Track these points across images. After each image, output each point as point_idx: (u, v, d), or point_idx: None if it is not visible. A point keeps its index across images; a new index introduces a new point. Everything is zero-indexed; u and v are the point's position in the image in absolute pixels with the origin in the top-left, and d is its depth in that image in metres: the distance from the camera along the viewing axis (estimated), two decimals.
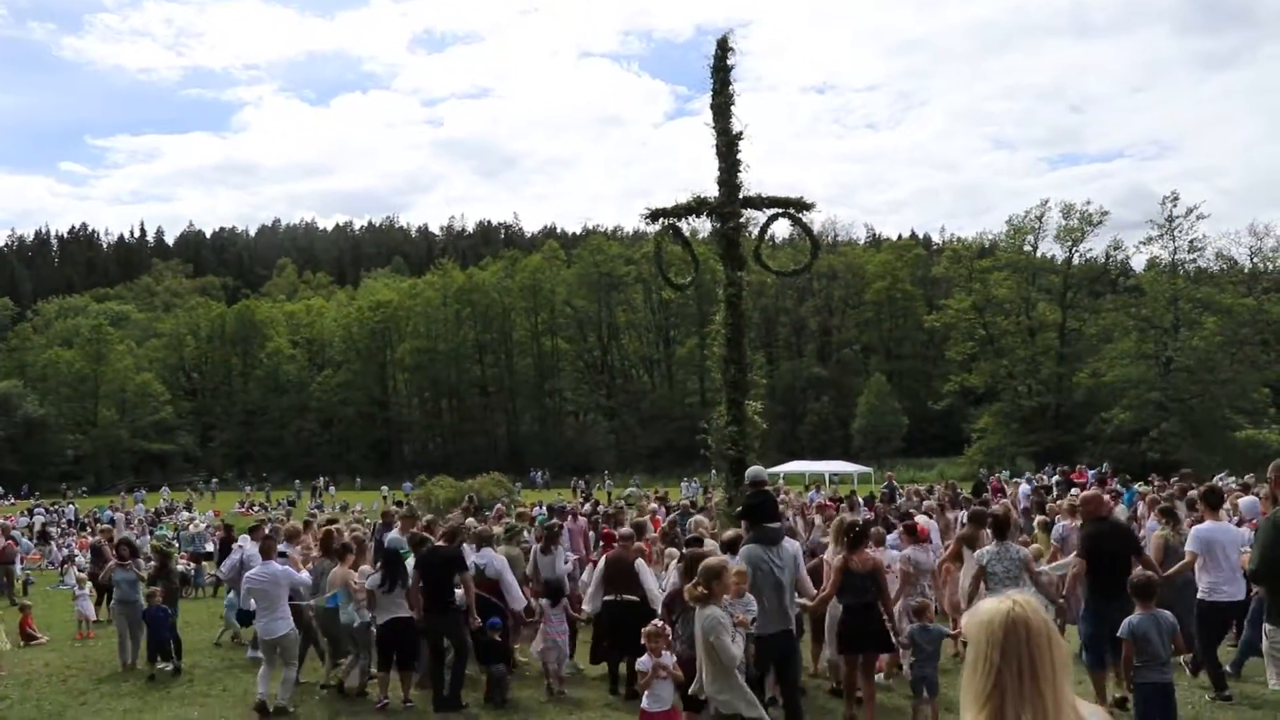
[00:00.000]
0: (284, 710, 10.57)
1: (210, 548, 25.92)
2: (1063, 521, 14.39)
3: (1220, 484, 19.96)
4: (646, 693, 7.84)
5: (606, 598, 10.92)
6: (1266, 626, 7.33)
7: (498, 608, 11.24)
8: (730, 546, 9.04)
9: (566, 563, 12.94)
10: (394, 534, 13.77)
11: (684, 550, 10.70)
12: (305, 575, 11.32)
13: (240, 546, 15.26)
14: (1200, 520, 10.36)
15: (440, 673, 10.54)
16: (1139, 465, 49.04)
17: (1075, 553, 11.08)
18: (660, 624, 8.20)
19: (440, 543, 11.12)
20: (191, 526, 31.64)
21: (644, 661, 7.89)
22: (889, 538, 12.87)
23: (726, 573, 7.34)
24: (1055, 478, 38.24)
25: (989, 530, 10.05)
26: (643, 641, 7.97)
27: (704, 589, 7.04)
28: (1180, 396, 57.28)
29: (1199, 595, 9.77)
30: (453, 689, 10.42)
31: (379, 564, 11.01)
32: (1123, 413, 58.09)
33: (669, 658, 7.95)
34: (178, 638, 13.45)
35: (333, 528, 15.30)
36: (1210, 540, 9.66)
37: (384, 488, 60.53)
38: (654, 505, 21.44)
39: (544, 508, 19.60)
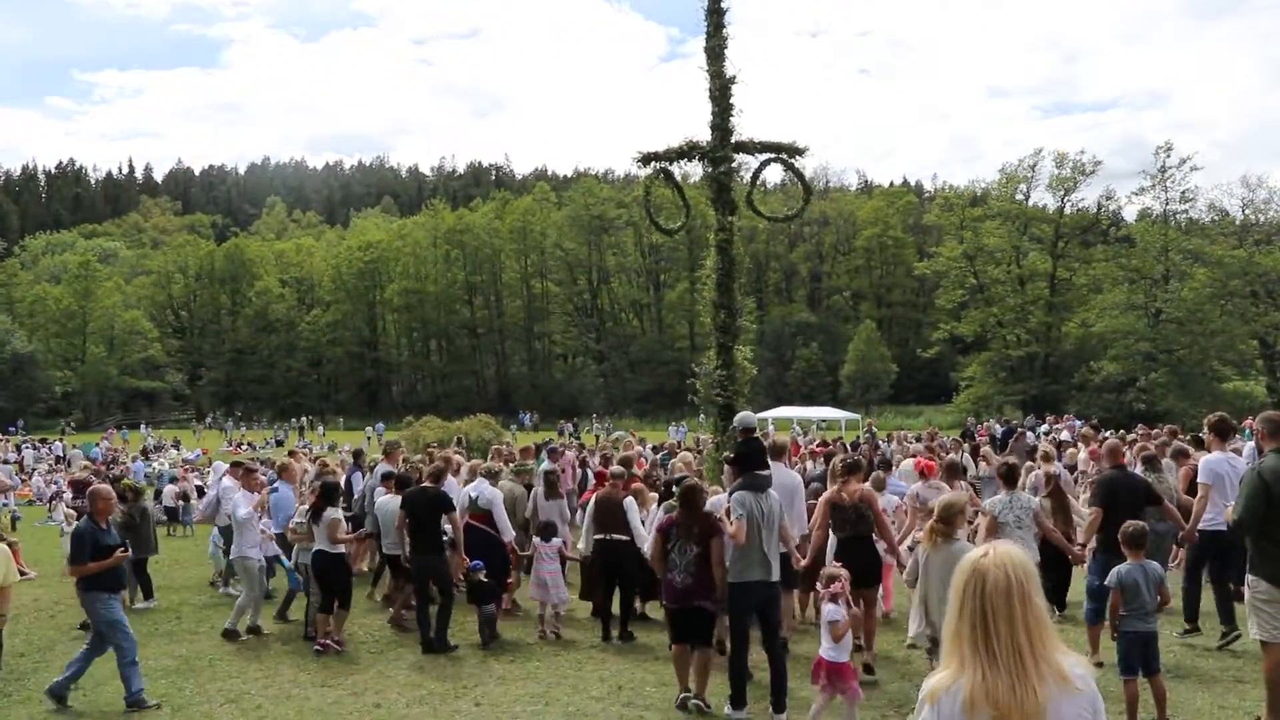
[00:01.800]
0: (257, 630, 11.27)
1: (177, 487, 25.85)
2: (1035, 471, 14.43)
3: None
4: (832, 643, 7.28)
5: (597, 537, 10.94)
6: (1249, 577, 7.36)
7: (494, 544, 11.31)
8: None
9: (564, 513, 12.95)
10: (384, 465, 13.89)
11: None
12: (242, 511, 11.47)
13: (218, 483, 15.30)
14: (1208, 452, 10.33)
15: (426, 615, 10.56)
16: (1126, 415, 49.32)
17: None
18: (839, 566, 7.84)
19: (427, 483, 11.11)
20: (156, 464, 31.47)
21: (833, 610, 7.31)
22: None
23: (967, 509, 7.02)
24: (1043, 426, 38.46)
25: (963, 481, 9.98)
26: (823, 587, 7.47)
27: (945, 525, 6.78)
28: (1169, 347, 57.40)
29: (1200, 525, 9.75)
30: (439, 630, 10.45)
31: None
32: (1111, 363, 58.32)
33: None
34: (146, 578, 13.62)
35: (327, 459, 15.39)
36: (1219, 471, 9.67)
37: (368, 428, 60.89)
38: (639, 449, 21.46)
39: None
